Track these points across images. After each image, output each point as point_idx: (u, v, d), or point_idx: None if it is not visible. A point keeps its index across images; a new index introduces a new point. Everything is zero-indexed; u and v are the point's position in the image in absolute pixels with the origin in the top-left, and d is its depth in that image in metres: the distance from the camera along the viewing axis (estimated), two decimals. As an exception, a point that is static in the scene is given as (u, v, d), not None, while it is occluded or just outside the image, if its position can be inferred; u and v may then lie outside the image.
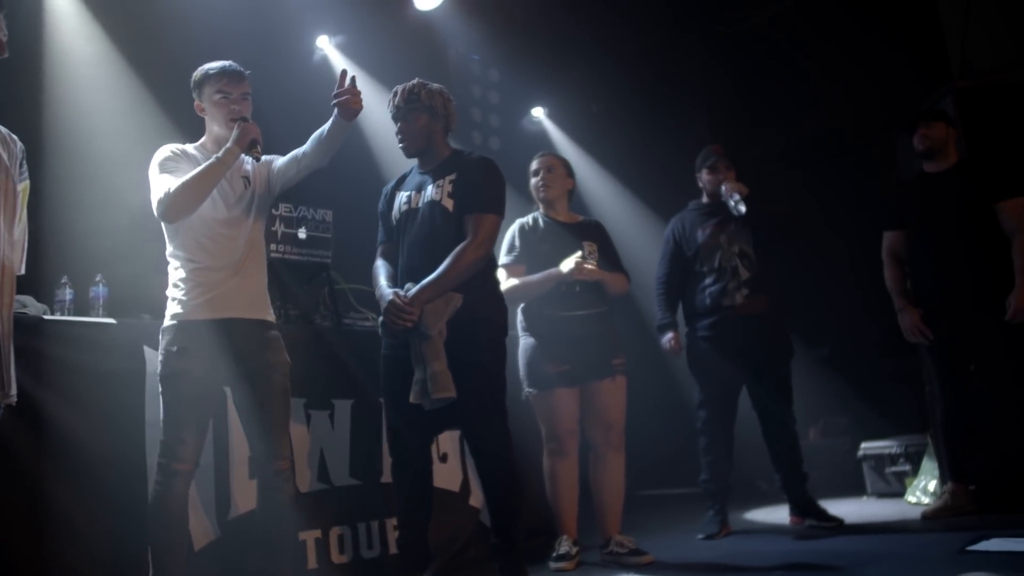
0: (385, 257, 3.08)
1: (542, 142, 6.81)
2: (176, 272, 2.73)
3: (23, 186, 2.33)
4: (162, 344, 2.67)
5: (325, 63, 5.49)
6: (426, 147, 3.04)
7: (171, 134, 4.04)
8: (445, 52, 6.26)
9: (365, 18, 5.50)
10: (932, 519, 3.89)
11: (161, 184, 2.63)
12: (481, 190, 2.93)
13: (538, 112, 7.02)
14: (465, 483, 3.75)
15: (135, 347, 2.87)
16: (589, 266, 3.51)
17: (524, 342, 3.65)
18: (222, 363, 2.66)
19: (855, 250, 5.34)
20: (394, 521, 3.41)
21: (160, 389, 2.65)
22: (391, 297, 2.80)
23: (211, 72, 2.78)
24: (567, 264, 3.50)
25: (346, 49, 5.57)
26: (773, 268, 4.17)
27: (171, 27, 4.28)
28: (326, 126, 2.81)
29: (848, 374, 6.21)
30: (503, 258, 3.65)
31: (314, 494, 3.24)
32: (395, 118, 3.03)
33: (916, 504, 4.48)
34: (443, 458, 3.69)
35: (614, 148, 6.84)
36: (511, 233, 3.71)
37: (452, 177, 2.96)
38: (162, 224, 2.75)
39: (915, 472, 4.82)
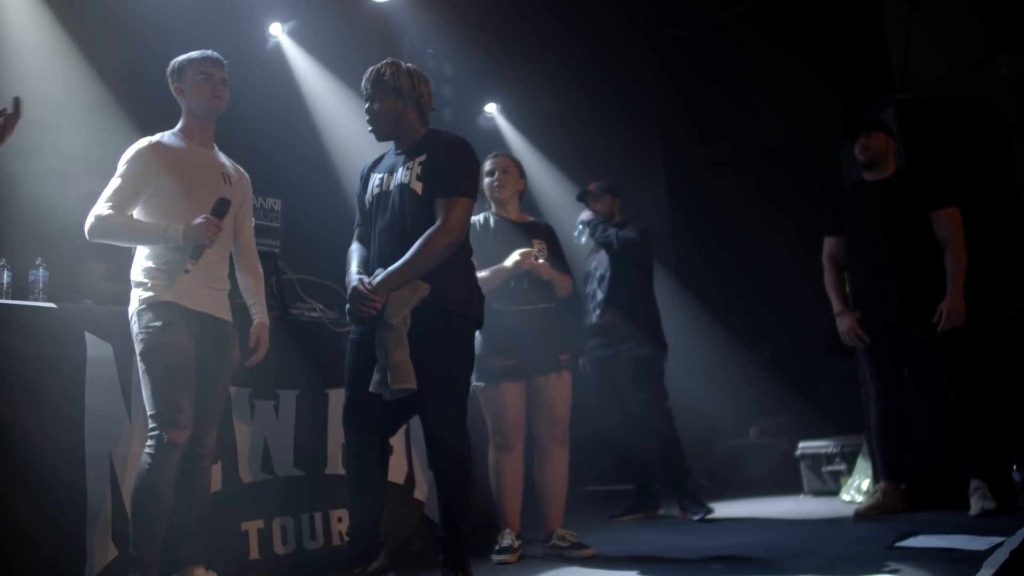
0: (360, 241, 3.01)
1: (494, 138, 6.83)
2: (146, 260, 2.77)
3: None
4: (141, 323, 2.68)
5: (278, 50, 5.43)
6: (395, 129, 2.96)
7: (117, 119, 3.97)
8: (399, 44, 6.23)
9: (319, 7, 5.46)
10: (864, 517, 4.00)
11: (105, 197, 2.71)
12: (452, 172, 2.82)
13: (491, 108, 7.03)
14: (410, 476, 3.75)
15: (76, 332, 2.81)
16: (540, 261, 3.54)
17: (472, 336, 3.67)
18: (194, 342, 2.73)
19: (799, 253, 5.47)
20: (338, 513, 3.40)
21: (144, 366, 2.65)
22: (355, 283, 2.75)
23: (194, 57, 2.91)
24: (512, 258, 3.53)
25: (299, 37, 5.53)
26: (633, 286, 4.66)
27: (120, 10, 4.20)
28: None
29: (788, 375, 6.36)
30: None
31: (257, 484, 3.21)
32: (365, 101, 2.99)
33: (850, 502, 4.60)
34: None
35: (565, 147, 6.89)
36: None
37: (422, 159, 2.86)
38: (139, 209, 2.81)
39: (850, 471, 4.95)
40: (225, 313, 2.89)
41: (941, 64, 5.60)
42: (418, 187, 2.83)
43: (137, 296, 2.74)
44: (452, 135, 2.98)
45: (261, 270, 3.15)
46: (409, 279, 2.70)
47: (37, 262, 3.17)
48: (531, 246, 3.62)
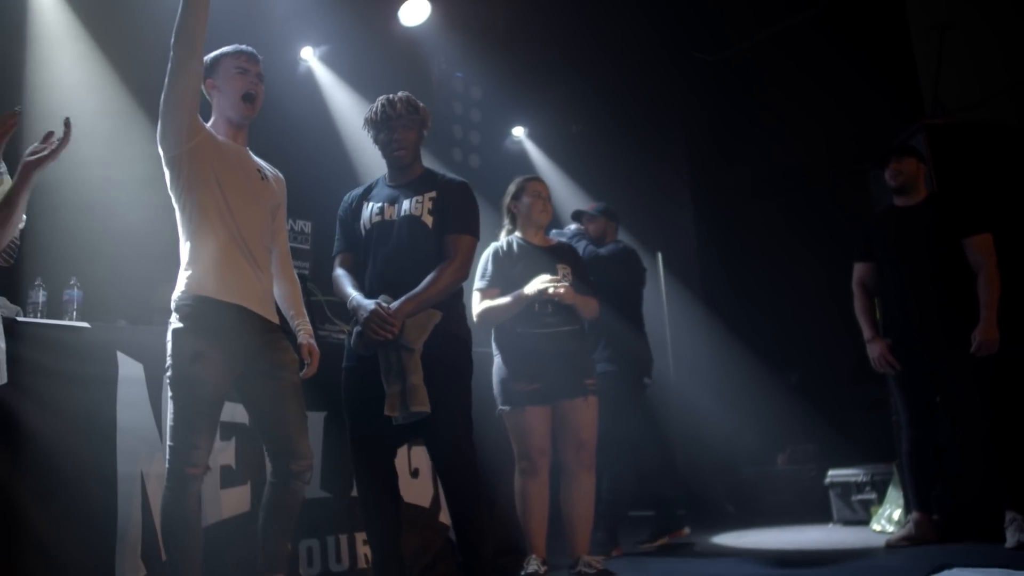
0: (346, 266, 3.04)
1: (522, 162, 6.86)
2: (195, 251, 2.65)
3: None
4: (174, 346, 2.57)
5: (310, 74, 5.50)
6: (413, 160, 3.05)
7: (149, 139, 4.02)
8: (428, 68, 6.31)
9: (350, 31, 5.53)
10: (895, 548, 3.93)
11: None
12: (462, 212, 2.97)
13: (518, 131, 7.06)
14: (436, 499, 3.74)
15: (108, 352, 2.84)
16: (561, 289, 3.50)
17: (497, 360, 3.66)
18: (233, 364, 2.61)
19: (828, 279, 5.43)
20: (363, 535, 3.39)
21: (171, 393, 2.56)
22: (373, 307, 2.77)
23: (228, 51, 2.83)
24: (532, 286, 3.50)
25: (330, 61, 5.60)
26: (608, 309, 4.44)
27: (154, 32, 4.26)
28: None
29: (817, 401, 6.29)
30: (477, 282, 3.64)
31: (284, 506, 3.21)
32: (391, 126, 2.99)
33: (881, 532, 4.53)
34: (414, 473, 3.68)
35: (592, 170, 6.90)
36: (485, 258, 3.69)
37: (432, 195, 2.97)
38: (179, 201, 2.69)
39: (881, 500, 4.88)
40: (270, 311, 2.76)
41: (971, 89, 5.55)
42: (429, 220, 2.94)
43: (179, 290, 2.62)
44: (457, 178, 3.10)
45: (297, 277, 3.05)
46: (423, 307, 2.81)
47: (72, 281, 3.22)
48: (556, 272, 3.61)
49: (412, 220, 2.94)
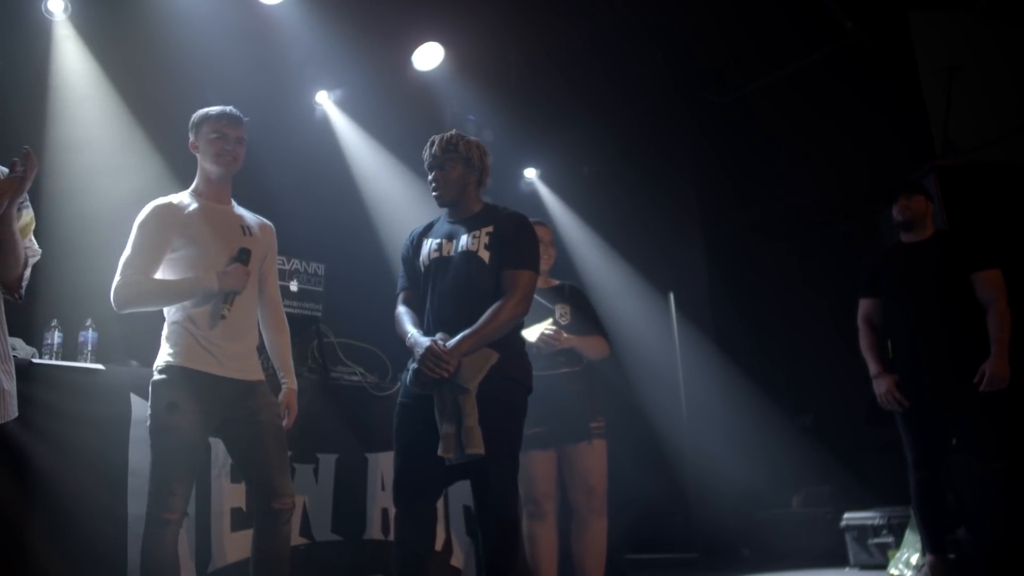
0: (408, 304, 2.98)
1: (534, 204, 6.90)
2: (172, 319, 2.72)
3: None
4: (153, 398, 2.62)
5: (325, 119, 5.58)
6: (459, 197, 2.99)
7: (167, 181, 4.10)
8: (441, 111, 6.37)
9: (364, 77, 5.61)
10: (912, 592, 3.86)
11: (124, 266, 2.67)
12: (519, 246, 2.88)
13: (530, 173, 7.12)
14: (447, 543, 3.72)
15: (122, 394, 2.87)
16: (553, 332, 3.46)
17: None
18: (209, 415, 2.64)
19: (841, 319, 5.40)
20: (374, 579, 3.37)
21: (149, 441, 2.59)
22: (429, 344, 2.70)
23: (211, 113, 2.84)
24: (532, 334, 3.45)
25: (345, 106, 5.68)
26: None
27: (173, 79, 4.36)
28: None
29: (831, 443, 6.22)
30: None
31: (295, 549, 3.18)
32: (430, 167, 2.99)
33: (897, 577, 4.46)
34: (425, 516, 3.65)
35: (604, 212, 6.93)
36: None
37: (489, 229, 2.90)
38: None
39: (898, 544, 4.80)
40: (251, 374, 2.78)
41: (980, 130, 5.58)
42: (485, 256, 2.86)
43: (160, 357, 2.69)
44: (515, 211, 3.02)
45: (287, 325, 3.03)
46: (480, 345, 2.72)
47: (87, 323, 3.25)
48: (553, 313, 3.56)
49: (469, 255, 2.87)
